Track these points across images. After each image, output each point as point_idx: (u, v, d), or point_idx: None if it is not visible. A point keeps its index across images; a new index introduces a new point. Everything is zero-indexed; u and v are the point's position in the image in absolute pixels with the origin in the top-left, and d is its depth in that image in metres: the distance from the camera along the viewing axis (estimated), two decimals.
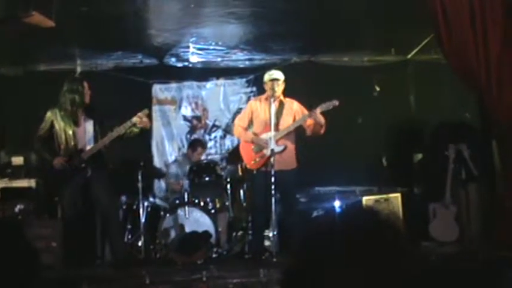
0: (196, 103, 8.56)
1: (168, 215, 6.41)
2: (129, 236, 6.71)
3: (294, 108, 6.11)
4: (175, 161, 7.71)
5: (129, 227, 6.72)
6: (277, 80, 5.98)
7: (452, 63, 5.20)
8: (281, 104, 6.06)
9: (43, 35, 5.46)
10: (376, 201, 6.87)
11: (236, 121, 6.43)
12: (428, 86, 8.22)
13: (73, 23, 6.26)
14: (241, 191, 7.07)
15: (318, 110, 5.85)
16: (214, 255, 6.29)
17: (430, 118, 7.90)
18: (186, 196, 6.66)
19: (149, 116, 6.19)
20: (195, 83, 8.56)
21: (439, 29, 5.04)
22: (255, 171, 6.09)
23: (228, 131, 8.37)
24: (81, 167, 5.79)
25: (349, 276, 1.12)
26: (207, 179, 6.79)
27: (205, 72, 8.53)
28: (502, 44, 4.84)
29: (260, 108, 6.11)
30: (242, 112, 6.50)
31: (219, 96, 8.57)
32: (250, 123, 6.18)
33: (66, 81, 5.89)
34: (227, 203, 6.90)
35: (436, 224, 6.80)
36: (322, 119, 5.88)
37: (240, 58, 8.40)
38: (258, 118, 6.10)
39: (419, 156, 7.97)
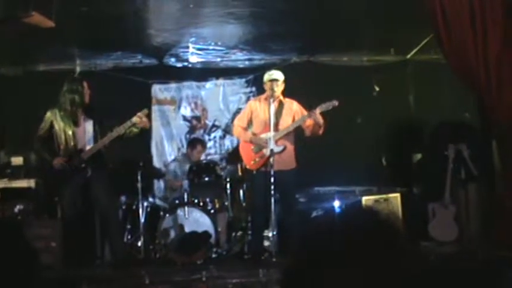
0: (195, 103, 8.56)
1: (167, 215, 6.40)
2: (129, 236, 6.70)
3: (293, 109, 6.11)
4: (175, 160, 7.71)
5: (128, 227, 6.72)
6: (276, 80, 5.98)
7: (452, 63, 5.19)
8: (280, 104, 6.06)
9: (43, 35, 5.46)
10: (376, 201, 6.87)
11: (235, 121, 6.43)
12: (428, 86, 8.22)
13: (73, 23, 6.26)
14: (241, 191, 7.07)
15: (318, 110, 5.85)
16: (213, 256, 6.29)
17: (429, 118, 7.90)
18: (185, 196, 6.66)
19: (149, 116, 6.19)
20: (194, 83, 8.56)
21: (438, 29, 5.04)
22: (254, 172, 6.09)
23: (227, 131, 8.37)
24: (80, 167, 5.80)
25: (349, 276, 1.12)
26: (206, 179, 6.79)
27: (204, 72, 8.53)
28: (502, 44, 4.84)
29: (260, 108, 6.11)
30: (241, 112, 6.50)
31: (219, 96, 8.57)
32: (250, 123, 6.18)
33: (65, 81, 5.90)
34: (227, 203, 6.90)
35: (436, 223, 6.81)
36: (321, 120, 5.88)
37: (239, 58, 8.40)
38: (258, 118, 6.10)
39: (419, 156, 7.97)
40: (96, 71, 8.21)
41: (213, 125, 8.55)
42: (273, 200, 5.66)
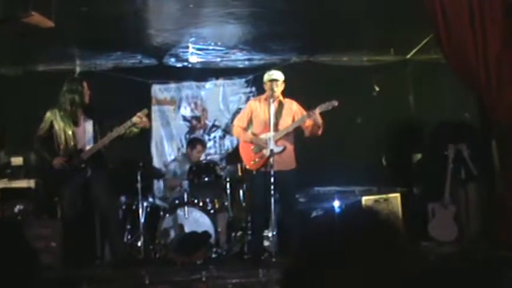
0: (195, 103, 8.56)
1: (167, 215, 6.40)
2: (129, 236, 6.70)
3: (293, 109, 6.11)
4: (175, 160, 7.71)
5: (128, 227, 6.72)
6: (276, 80, 5.98)
7: (452, 63, 5.19)
8: (280, 105, 6.06)
9: (42, 35, 5.45)
10: (376, 201, 6.87)
11: (235, 121, 6.43)
12: (428, 86, 8.22)
13: (72, 23, 6.26)
14: (241, 191, 7.06)
15: (317, 110, 5.85)
16: (213, 256, 6.29)
17: (429, 118, 7.91)
18: (185, 196, 6.66)
19: (148, 116, 6.19)
20: (194, 83, 8.56)
21: (438, 28, 5.04)
22: (254, 172, 6.09)
23: (227, 131, 8.37)
24: (80, 167, 5.80)
25: (349, 276, 1.12)
26: (206, 179, 6.79)
27: (204, 73, 8.53)
28: (502, 43, 4.84)
29: (259, 109, 6.11)
30: (241, 112, 6.50)
31: (219, 97, 8.57)
32: (250, 123, 6.18)
33: (65, 82, 5.90)
34: (226, 203, 6.89)
35: (435, 223, 6.81)
36: (320, 120, 5.87)
37: (239, 58, 8.40)
38: (258, 118, 6.10)
39: (419, 156, 7.97)
40: (96, 71, 8.21)
41: (213, 125, 8.55)
42: (272, 200, 5.65)
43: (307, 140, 6.15)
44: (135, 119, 5.74)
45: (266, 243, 6.28)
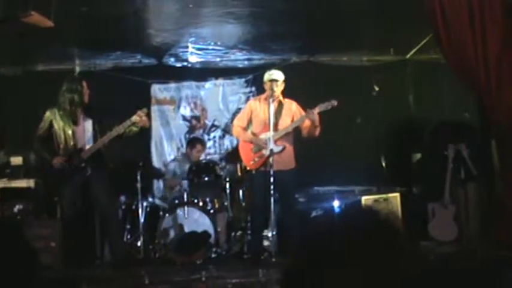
0: (195, 103, 8.56)
1: (167, 215, 6.40)
2: (128, 236, 6.71)
3: (292, 109, 6.11)
4: (175, 159, 7.71)
5: (128, 227, 6.72)
6: (276, 80, 5.98)
7: (451, 63, 5.19)
8: (280, 105, 6.06)
9: (42, 35, 5.46)
10: (375, 201, 6.87)
11: (235, 121, 6.43)
12: (428, 86, 8.23)
13: (72, 23, 6.26)
14: (240, 191, 7.06)
15: (316, 110, 5.85)
16: (213, 255, 6.29)
17: (429, 118, 7.90)
18: (185, 196, 6.66)
19: (148, 116, 6.19)
20: (194, 83, 8.56)
21: (438, 28, 5.03)
22: (254, 171, 6.09)
23: (227, 131, 8.37)
24: (80, 166, 5.80)
25: (349, 276, 1.12)
26: (206, 179, 6.79)
27: (204, 72, 8.53)
28: (501, 43, 4.83)
29: (259, 108, 6.11)
30: (241, 112, 6.50)
31: (218, 96, 8.57)
32: (249, 123, 6.18)
33: (65, 81, 5.90)
34: (226, 203, 6.89)
35: (435, 223, 6.81)
36: (317, 119, 5.87)
37: (239, 58, 8.40)
38: (257, 118, 6.10)
39: (418, 156, 7.97)
40: (95, 70, 8.21)
41: (213, 125, 8.55)
42: (272, 200, 5.65)
43: (307, 140, 6.15)
44: (134, 117, 5.74)
45: (266, 243, 6.28)
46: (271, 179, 5.66)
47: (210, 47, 7.87)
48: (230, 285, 4.86)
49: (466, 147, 6.80)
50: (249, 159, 6.10)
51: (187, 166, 7.03)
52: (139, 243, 6.50)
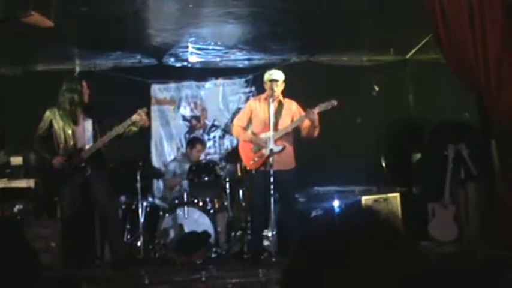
0: (195, 103, 8.56)
1: (167, 215, 6.40)
2: (128, 236, 6.71)
3: (292, 109, 6.11)
4: (175, 159, 7.71)
5: (128, 227, 6.72)
6: (276, 80, 5.98)
7: (451, 63, 5.19)
8: (280, 104, 6.07)
9: (42, 35, 5.46)
10: (375, 201, 6.87)
11: (235, 121, 6.43)
12: (428, 86, 8.23)
13: (72, 23, 6.26)
14: (240, 191, 7.06)
15: (316, 110, 5.85)
16: (213, 255, 6.29)
17: (429, 118, 7.90)
18: (185, 196, 6.66)
19: (148, 116, 6.19)
20: (194, 83, 8.56)
21: (438, 28, 5.03)
22: (254, 171, 6.10)
23: (227, 130, 8.37)
24: (80, 166, 5.79)
25: (348, 276, 1.12)
26: (206, 179, 6.79)
27: (204, 72, 8.53)
28: (501, 43, 4.83)
29: (259, 108, 6.11)
30: (241, 112, 6.50)
31: (218, 96, 8.57)
32: (249, 122, 6.18)
33: (65, 81, 5.90)
34: (226, 203, 6.89)
35: (435, 223, 6.81)
36: (317, 120, 5.87)
37: (238, 58, 8.40)
38: (257, 118, 6.10)
39: (418, 156, 7.97)
40: (95, 70, 8.21)
41: (213, 125, 8.55)
42: (272, 199, 5.65)
43: (306, 140, 6.15)
44: (134, 117, 5.74)
45: (266, 243, 6.28)
46: (271, 179, 5.66)
47: (210, 47, 7.87)
48: (230, 285, 4.86)
49: (466, 147, 6.80)
50: (249, 159, 6.10)
51: (187, 166, 7.03)
52: (139, 243, 6.50)
